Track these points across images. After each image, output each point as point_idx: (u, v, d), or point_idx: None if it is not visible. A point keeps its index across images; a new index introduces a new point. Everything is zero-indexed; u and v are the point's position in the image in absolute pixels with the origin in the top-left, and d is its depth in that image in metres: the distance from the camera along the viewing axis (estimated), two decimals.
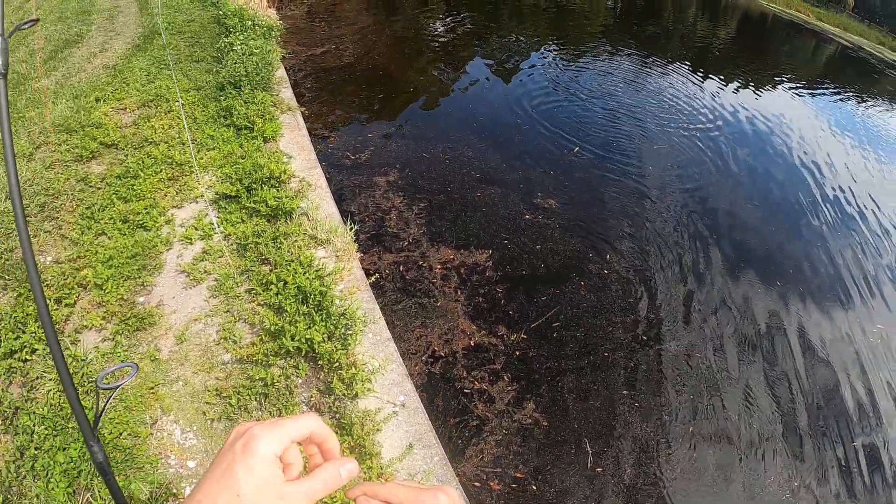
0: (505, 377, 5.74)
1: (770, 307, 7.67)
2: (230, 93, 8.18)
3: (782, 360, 6.92)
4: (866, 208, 11.22)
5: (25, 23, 2.05)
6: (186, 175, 6.76)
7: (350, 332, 4.82)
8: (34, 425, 3.97)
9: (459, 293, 6.58)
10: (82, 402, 2.18)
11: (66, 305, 4.97)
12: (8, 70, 1.68)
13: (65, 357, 1.75)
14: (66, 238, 5.69)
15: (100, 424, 1.69)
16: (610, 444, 5.45)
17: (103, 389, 1.51)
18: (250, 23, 10.28)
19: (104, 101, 8.10)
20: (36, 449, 3.83)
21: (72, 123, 7.42)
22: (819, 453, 5.85)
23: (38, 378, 4.35)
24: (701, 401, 6.10)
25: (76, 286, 5.14)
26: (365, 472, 4.01)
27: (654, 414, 5.83)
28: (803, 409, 6.29)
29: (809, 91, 19.28)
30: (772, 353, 6.96)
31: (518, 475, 4.98)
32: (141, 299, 5.20)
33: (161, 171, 6.75)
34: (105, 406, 1.55)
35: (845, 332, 7.63)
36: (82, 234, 5.71)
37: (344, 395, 4.47)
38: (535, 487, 4.94)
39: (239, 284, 5.37)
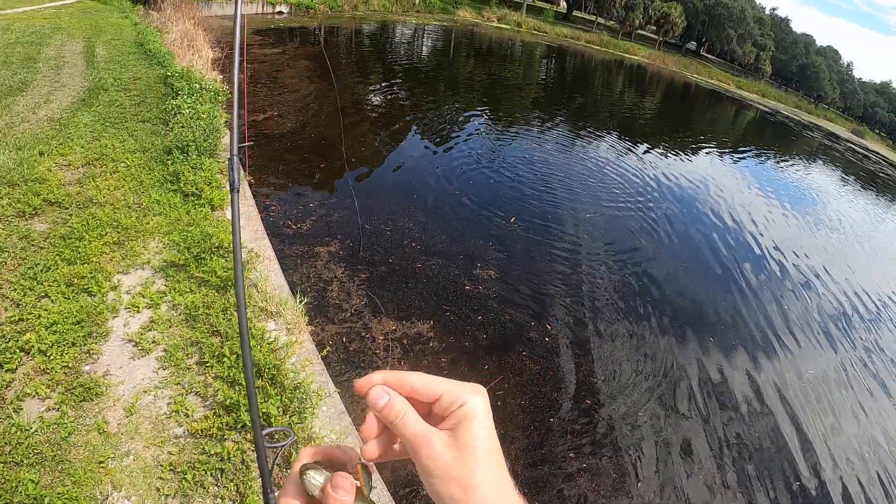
0: None
1: (704, 361, 8.24)
2: (177, 157, 8.24)
3: (725, 409, 7.42)
4: (788, 261, 12.15)
5: (246, 144, 2.34)
6: (133, 240, 6.74)
7: (306, 405, 4.91)
8: None
9: (403, 364, 6.73)
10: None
11: (8, 371, 4.85)
12: None
13: (259, 411, 1.93)
14: (7, 298, 5.56)
15: None
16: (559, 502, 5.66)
17: (269, 447, 1.71)
18: (197, 86, 10.40)
19: (48, 155, 8.00)
20: None
21: (14, 176, 7.30)
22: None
23: None
24: (645, 460, 6.42)
25: (18, 350, 5.03)
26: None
27: (601, 476, 6.10)
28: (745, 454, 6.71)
29: (732, 154, 20.72)
30: (713, 405, 7.48)
31: None
32: (87, 368, 5.13)
33: (106, 233, 6.70)
34: (275, 462, 1.76)
35: (780, 378, 8.30)
36: (24, 295, 5.59)
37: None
38: None
39: (189, 356, 5.38)
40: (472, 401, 0.75)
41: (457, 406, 0.74)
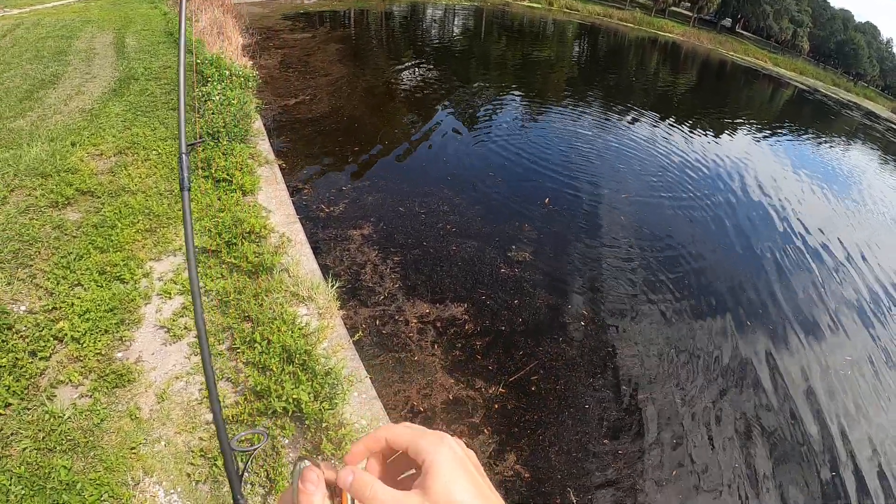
0: (485, 430, 5.79)
1: (741, 345, 7.98)
2: (208, 143, 8.20)
3: (765, 392, 7.20)
4: (827, 244, 11.77)
5: (198, 141, 2.22)
6: (164, 227, 6.72)
7: (337, 391, 4.83)
8: (10, 484, 3.87)
9: (436, 347, 6.63)
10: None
11: (42, 359, 4.86)
12: None
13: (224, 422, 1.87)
14: (41, 287, 5.58)
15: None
16: (595, 492, 5.52)
17: (239, 452, 1.59)
18: (227, 72, 10.37)
19: (80, 145, 8.04)
20: None
21: (47, 168, 7.34)
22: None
23: (12, 434, 4.24)
24: (681, 446, 6.24)
25: (52, 339, 5.03)
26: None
27: (636, 461, 5.94)
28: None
29: (770, 133, 20.12)
30: (749, 386, 7.26)
31: None
32: (119, 355, 5.12)
33: (138, 221, 6.70)
34: (247, 465, 1.65)
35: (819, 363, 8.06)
36: (58, 284, 5.61)
37: (333, 455, 4.46)
38: None
39: (221, 342, 5.34)
40: (433, 455, 0.70)
41: (420, 461, 0.70)
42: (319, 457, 4.49)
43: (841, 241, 12.30)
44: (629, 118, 17.54)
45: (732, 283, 9.55)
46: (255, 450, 1.66)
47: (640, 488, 5.70)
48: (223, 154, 8.02)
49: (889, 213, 15.69)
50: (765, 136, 19.54)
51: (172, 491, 4.12)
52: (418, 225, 8.94)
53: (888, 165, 20.87)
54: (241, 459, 2.22)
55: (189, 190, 2.17)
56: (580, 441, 6.01)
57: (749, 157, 16.43)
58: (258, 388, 4.72)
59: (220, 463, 4.25)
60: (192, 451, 4.37)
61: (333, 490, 0.74)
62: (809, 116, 25.64)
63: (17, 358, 4.73)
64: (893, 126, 27.44)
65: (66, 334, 5.08)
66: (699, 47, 49.47)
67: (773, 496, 6.02)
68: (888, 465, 6.84)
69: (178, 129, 2.19)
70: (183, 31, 2.58)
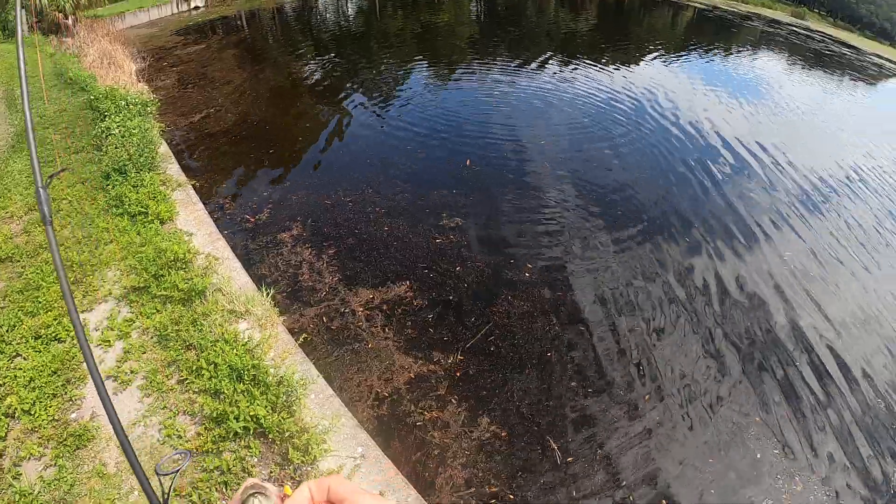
0: (452, 400, 5.92)
1: (683, 261, 8.29)
2: (116, 179, 8.06)
3: (708, 299, 7.48)
4: (749, 151, 12.10)
5: (57, 172, 2.22)
6: (89, 275, 6.62)
7: (293, 398, 4.88)
8: None
9: (388, 330, 6.71)
10: None
11: None
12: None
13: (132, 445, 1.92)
14: None
15: None
16: (573, 434, 5.75)
17: (162, 475, 1.67)
18: (124, 102, 10.11)
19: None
20: None
21: None
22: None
23: None
24: (649, 372, 6.49)
25: (2, 417, 4.97)
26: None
27: (605, 396, 6.17)
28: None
29: (676, 56, 20.39)
30: (703, 301, 7.58)
31: (492, 489, 5.15)
32: (73, 415, 5.08)
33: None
34: (171, 489, 1.72)
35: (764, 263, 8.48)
36: None
37: (302, 461, 4.53)
38: (511, 496, 5.12)
39: (169, 377, 5.33)
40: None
41: None
42: (271, 478, 4.56)
43: (761, 146, 12.62)
44: (535, 66, 17.57)
45: (663, 207, 9.79)
46: (177, 472, 1.72)
47: (615, 419, 5.92)
48: (133, 187, 7.88)
49: (801, 110, 16.12)
50: (672, 60, 19.81)
51: None
52: (347, 214, 8.94)
53: (795, 66, 21.37)
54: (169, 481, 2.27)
55: (52, 224, 2.16)
56: (548, 389, 6.20)
57: (661, 82, 16.65)
58: (214, 415, 4.75)
59: (196, 498, 4.29)
60: (166, 493, 4.40)
61: None
62: (713, 33, 26.03)
63: None
64: (795, 29, 28.03)
65: (15, 409, 5.01)
66: None
67: (744, 397, 6.31)
68: (844, 352, 7.20)
69: (31, 164, 2.16)
70: (22, 59, 2.55)
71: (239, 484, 4.31)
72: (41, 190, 2.20)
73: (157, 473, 1.66)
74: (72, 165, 8.86)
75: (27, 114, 2.26)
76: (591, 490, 5.25)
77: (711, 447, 5.73)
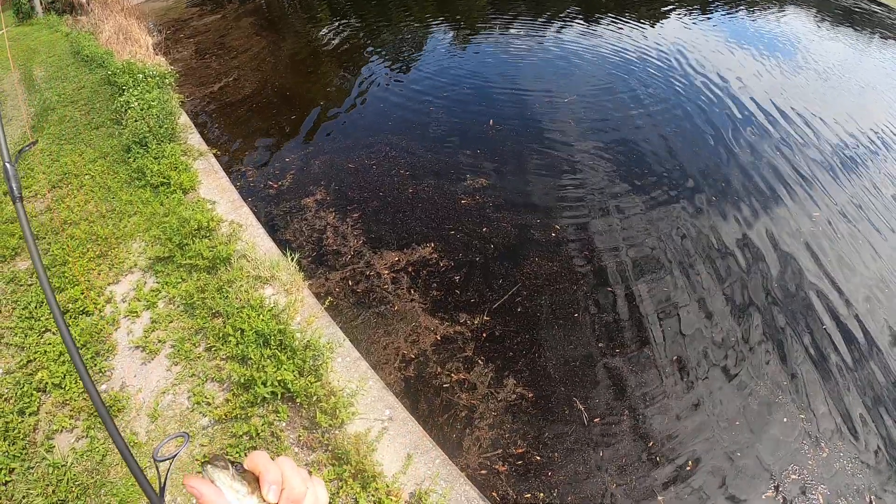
0: (479, 361, 5.83)
1: (715, 222, 8.04)
2: (138, 152, 8.02)
3: (739, 259, 7.27)
4: (780, 109, 11.68)
5: (27, 145, 2.13)
6: (115, 248, 6.61)
7: (319, 362, 4.82)
8: None
9: (413, 292, 6.61)
10: None
11: (31, 415, 4.83)
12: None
13: (122, 435, 1.84)
14: (11, 345, 5.50)
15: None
16: (600, 396, 5.63)
17: (160, 461, 1.55)
18: (141, 76, 10.04)
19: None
20: None
21: None
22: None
23: (24, 498, 4.24)
24: (679, 334, 6.34)
25: (34, 392, 5.00)
26: (373, 495, 4.05)
27: (634, 358, 6.03)
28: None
29: (700, 12, 19.73)
30: (737, 261, 7.38)
31: (519, 451, 5.08)
32: (103, 387, 5.10)
33: (88, 250, 6.58)
34: (167, 477, 1.59)
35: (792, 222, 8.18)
36: (26, 337, 5.53)
37: (330, 425, 4.49)
38: (538, 458, 5.06)
39: (196, 345, 5.31)
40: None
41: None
42: (300, 441, 4.52)
43: (790, 104, 12.10)
44: (559, 24, 17.08)
45: (693, 165, 9.44)
46: (175, 456, 1.61)
47: (643, 381, 5.80)
48: (154, 159, 7.83)
49: (830, 69, 15.48)
50: (698, 17, 19.15)
51: (174, 502, 4.16)
52: (371, 177, 8.80)
53: (823, 23, 20.54)
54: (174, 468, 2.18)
55: (21, 200, 2.05)
56: (576, 350, 6.08)
57: (687, 40, 16.05)
58: (242, 381, 4.71)
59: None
60: (196, 460, 4.40)
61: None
62: None
63: (6, 422, 4.71)
64: None
65: (46, 383, 5.04)
66: None
67: (775, 362, 6.13)
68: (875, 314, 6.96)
69: None
70: None
71: (269, 449, 4.29)
72: (8, 166, 2.08)
73: (154, 460, 1.55)
74: (93, 142, 8.84)
75: None
76: (617, 451, 5.17)
77: (738, 411, 5.59)
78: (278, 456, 0.93)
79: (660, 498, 4.86)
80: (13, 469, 4.41)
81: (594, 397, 5.62)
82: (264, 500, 0.87)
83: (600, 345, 6.15)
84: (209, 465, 0.86)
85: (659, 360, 6.02)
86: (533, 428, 5.29)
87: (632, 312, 6.56)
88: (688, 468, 5.07)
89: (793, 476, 5.03)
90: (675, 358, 6.04)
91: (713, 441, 5.30)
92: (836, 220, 8.35)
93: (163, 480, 1.65)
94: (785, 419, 5.51)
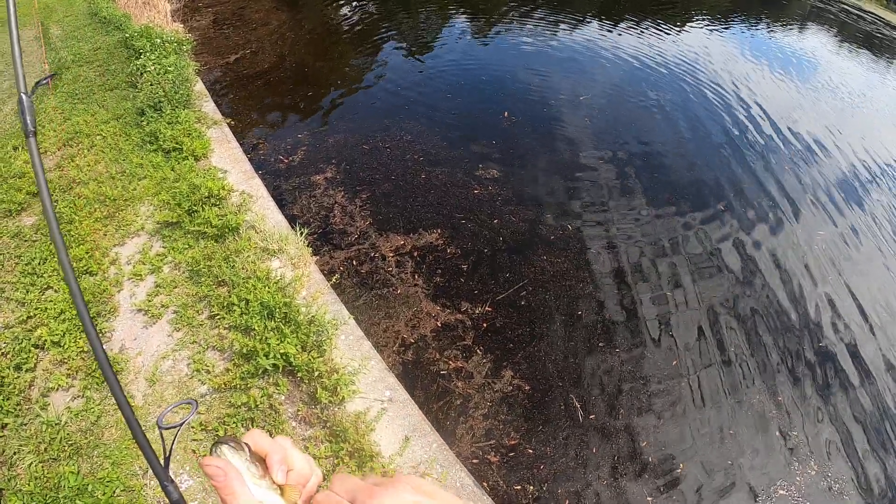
0: (478, 351, 5.81)
1: (726, 233, 8.00)
2: (151, 116, 7.95)
3: (745, 275, 7.25)
4: (794, 128, 11.64)
5: (44, 79, 2.05)
6: (122, 210, 6.55)
7: (323, 337, 4.79)
8: (23, 502, 3.85)
9: (417, 277, 6.59)
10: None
11: (27, 370, 4.79)
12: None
13: (128, 400, 1.77)
14: (11, 300, 5.45)
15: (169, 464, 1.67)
16: (597, 393, 5.63)
17: (165, 429, 1.50)
18: (159, 41, 9.97)
19: (22, 148, 7.75)
20: None
21: None
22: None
23: (15, 453, 4.20)
24: (677, 339, 6.31)
25: (32, 348, 4.95)
26: (369, 474, 4.01)
27: (633, 360, 6.04)
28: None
29: (722, 25, 19.63)
30: (730, 270, 7.38)
31: (512, 442, 5.08)
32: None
33: (95, 210, 6.52)
34: (173, 445, 1.54)
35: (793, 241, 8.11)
36: (27, 292, 5.48)
37: (330, 401, 4.45)
38: (531, 451, 5.04)
39: (200, 312, 5.27)
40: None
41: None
42: (297, 416, 4.48)
43: (806, 123, 12.03)
44: (577, 23, 17.00)
45: (704, 175, 9.42)
46: (182, 424, 1.55)
47: (641, 382, 5.78)
48: (168, 123, 7.77)
49: (848, 92, 15.39)
50: (718, 29, 19.02)
51: (182, 471, 4.13)
52: (383, 159, 8.73)
53: (843, 46, 20.42)
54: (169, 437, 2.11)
55: (35, 135, 1.96)
56: (576, 347, 6.08)
57: (705, 50, 15.96)
58: (244, 351, 4.67)
59: (222, 432, 4.23)
60: (193, 427, 4.36)
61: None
62: (760, 4, 24.87)
63: (2, 376, 4.66)
64: (847, 8, 26.65)
65: (45, 340, 4.99)
66: None
67: (769, 373, 6.15)
68: (878, 330, 6.98)
69: (14, 69, 1.94)
70: None
71: (266, 421, 4.26)
72: (24, 97, 1.98)
73: (158, 427, 1.49)
74: (107, 102, 8.77)
75: (12, 22, 2.04)
76: (610, 448, 5.18)
77: (731, 420, 5.61)
78: (277, 434, 0.91)
79: (649, 499, 4.85)
80: (6, 424, 4.38)
81: (591, 394, 5.62)
82: (274, 482, 0.85)
83: (600, 344, 6.14)
84: (224, 446, 0.83)
85: (658, 364, 6.00)
86: (527, 421, 5.29)
87: (635, 316, 6.54)
88: (678, 470, 5.07)
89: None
90: (674, 363, 6.02)
91: (707, 446, 5.31)
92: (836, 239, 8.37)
93: (168, 450, 1.60)
94: (777, 432, 5.54)
